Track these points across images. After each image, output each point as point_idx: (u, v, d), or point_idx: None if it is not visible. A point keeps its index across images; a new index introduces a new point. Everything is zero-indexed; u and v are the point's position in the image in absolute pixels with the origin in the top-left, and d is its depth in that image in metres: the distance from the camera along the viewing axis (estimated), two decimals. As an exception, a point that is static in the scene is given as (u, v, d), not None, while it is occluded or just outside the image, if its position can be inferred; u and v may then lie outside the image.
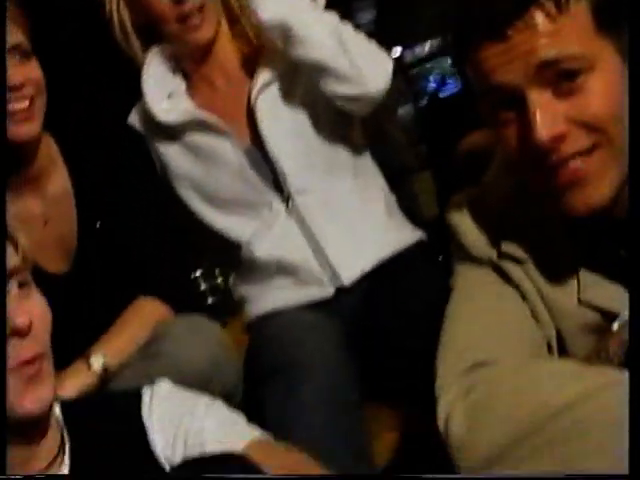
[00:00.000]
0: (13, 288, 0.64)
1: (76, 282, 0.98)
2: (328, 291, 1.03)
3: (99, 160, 1.04)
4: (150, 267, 1.02)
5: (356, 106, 1.01)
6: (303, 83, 1.03)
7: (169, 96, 1.07)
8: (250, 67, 1.06)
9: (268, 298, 1.07)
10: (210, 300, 1.69)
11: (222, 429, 0.69)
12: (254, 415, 0.78)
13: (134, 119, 1.10)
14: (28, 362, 0.62)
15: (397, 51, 2.67)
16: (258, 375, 0.94)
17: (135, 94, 1.09)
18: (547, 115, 0.56)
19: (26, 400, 0.62)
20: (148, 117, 1.07)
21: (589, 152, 0.58)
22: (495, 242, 0.68)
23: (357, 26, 1.02)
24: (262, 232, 1.05)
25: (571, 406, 0.54)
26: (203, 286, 1.62)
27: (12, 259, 0.65)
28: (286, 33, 0.95)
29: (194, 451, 0.68)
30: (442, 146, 1.24)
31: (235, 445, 0.67)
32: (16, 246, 0.66)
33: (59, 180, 1.02)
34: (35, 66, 0.94)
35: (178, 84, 1.08)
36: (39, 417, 0.65)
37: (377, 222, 1.06)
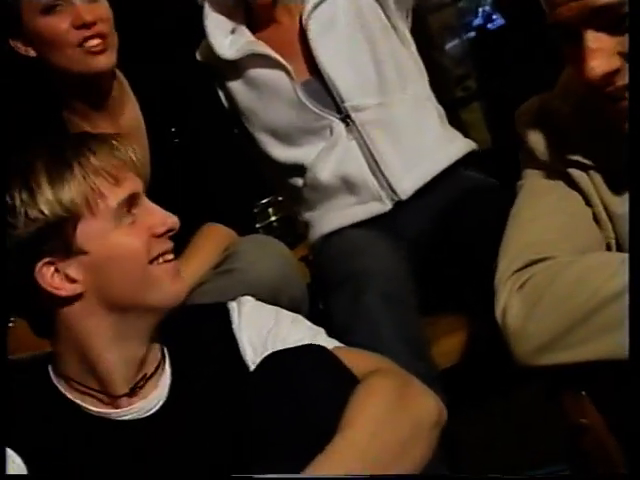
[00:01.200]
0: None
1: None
2: (386, 206, 1.09)
3: (168, 95, 1.10)
4: (217, 197, 1.09)
5: None
6: (357, 6, 1.08)
7: (232, 32, 1.11)
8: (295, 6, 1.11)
9: (331, 218, 1.13)
10: (276, 233, 1.78)
11: (305, 339, 0.74)
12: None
13: (201, 54, 1.15)
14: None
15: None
16: (325, 286, 1.03)
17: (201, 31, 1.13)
18: (601, 53, 0.61)
19: (176, 286, 0.72)
20: (210, 52, 1.11)
21: None
22: (563, 149, 0.72)
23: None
24: (326, 153, 1.11)
25: (620, 294, 0.59)
26: (258, 224, 1.69)
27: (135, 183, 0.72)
28: None
29: None
30: (490, 77, 1.29)
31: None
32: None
33: (132, 112, 1.08)
34: (105, 6, 1.00)
35: (241, 19, 1.12)
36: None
37: (431, 135, 1.11)
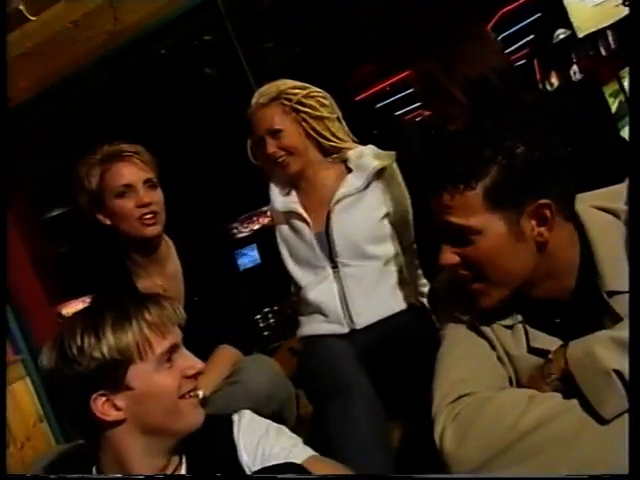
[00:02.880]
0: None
1: (182, 330, 1.37)
2: (344, 330, 1.50)
3: (197, 252, 1.51)
4: (229, 327, 1.46)
5: None
6: (368, 201, 1.53)
7: (286, 194, 1.63)
8: (332, 185, 1.56)
9: (310, 327, 1.56)
10: (266, 333, 2.44)
11: (286, 448, 0.97)
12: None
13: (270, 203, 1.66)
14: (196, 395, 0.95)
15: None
16: (318, 395, 1.36)
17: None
18: (448, 254, 0.91)
19: (196, 417, 0.95)
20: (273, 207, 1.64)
21: (475, 280, 0.92)
22: (470, 309, 0.98)
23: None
24: (315, 284, 1.53)
25: (536, 428, 0.79)
26: (262, 324, 2.32)
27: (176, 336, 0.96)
28: None
29: (267, 462, 0.96)
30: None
31: (295, 459, 0.95)
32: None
33: (173, 265, 1.50)
34: (159, 192, 1.46)
35: (287, 186, 1.64)
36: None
37: (386, 291, 1.50)
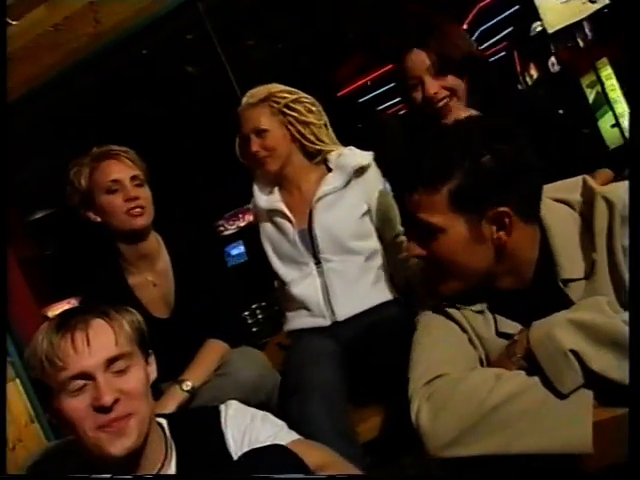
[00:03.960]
0: (106, 373, 0.91)
1: (172, 324, 1.46)
2: (327, 322, 1.56)
3: (187, 249, 1.56)
4: (217, 321, 1.51)
5: None
6: (352, 197, 1.59)
7: (269, 192, 1.68)
8: (313, 185, 1.62)
9: (294, 321, 1.62)
10: (254, 329, 2.49)
11: (272, 433, 1.04)
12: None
13: (252, 203, 1.72)
14: (112, 422, 0.90)
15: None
16: (281, 393, 1.41)
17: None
18: (414, 246, 1.00)
19: (112, 449, 0.90)
20: (255, 203, 1.69)
21: (436, 270, 1.02)
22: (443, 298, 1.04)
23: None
24: (299, 279, 1.59)
25: (503, 403, 0.86)
26: (250, 320, 2.35)
27: (112, 347, 0.93)
28: None
29: (254, 446, 1.01)
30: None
31: (281, 442, 1.01)
32: (119, 331, 0.96)
33: (163, 261, 1.55)
34: (146, 190, 1.51)
35: (270, 185, 1.69)
36: (135, 451, 0.93)
37: (367, 285, 1.57)
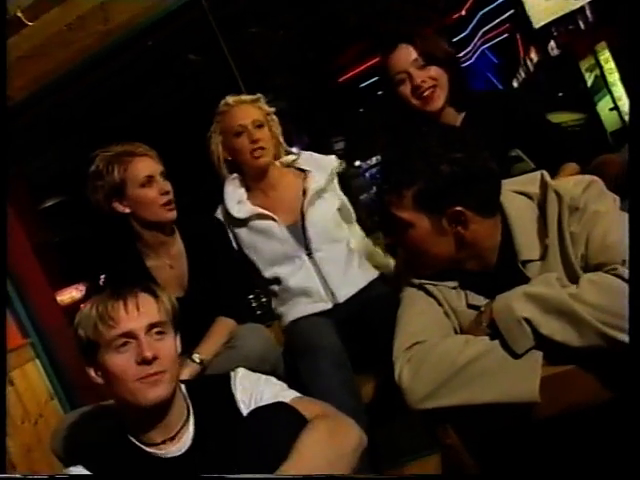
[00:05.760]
0: (147, 335, 1.09)
1: (186, 303, 1.60)
2: (329, 305, 1.71)
3: (199, 237, 1.71)
4: (226, 300, 1.67)
5: None
6: (329, 195, 1.77)
7: (238, 202, 1.75)
8: (292, 180, 1.79)
9: (295, 310, 1.74)
10: (258, 312, 2.65)
11: (274, 393, 1.19)
12: (294, 380, 1.33)
13: (219, 214, 1.81)
14: (151, 375, 1.08)
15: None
16: (292, 357, 1.57)
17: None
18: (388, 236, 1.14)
19: (148, 396, 1.08)
20: (227, 214, 1.79)
21: (409, 257, 1.18)
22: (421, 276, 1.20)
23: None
24: (294, 272, 1.72)
25: (470, 362, 1.01)
26: (254, 304, 2.54)
27: (155, 314, 1.11)
28: None
29: (260, 404, 1.17)
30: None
31: (283, 400, 1.15)
32: (160, 304, 1.14)
33: (177, 246, 1.71)
34: (169, 184, 1.67)
35: (242, 194, 1.76)
36: (163, 403, 1.10)
37: (356, 266, 1.73)
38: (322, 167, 1.79)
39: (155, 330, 1.12)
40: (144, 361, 1.09)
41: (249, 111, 1.76)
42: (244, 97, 1.80)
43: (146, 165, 1.63)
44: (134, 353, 1.10)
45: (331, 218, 1.75)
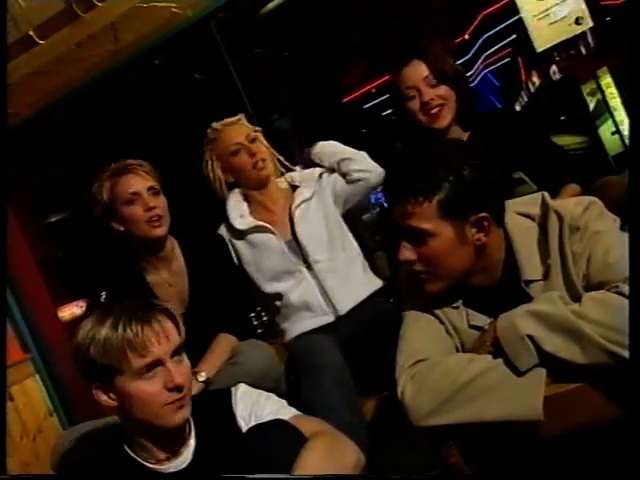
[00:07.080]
0: (171, 360, 1.09)
1: (186, 320, 1.57)
2: (331, 318, 1.70)
3: (200, 254, 1.71)
4: (227, 316, 1.67)
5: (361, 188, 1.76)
6: (321, 203, 1.76)
7: (240, 215, 1.77)
8: (287, 195, 1.80)
9: (298, 327, 1.72)
10: (259, 331, 2.59)
11: (274, 410, 1.19)
12: (296, 397, 1.32)
13: (222, 230, 1.82)
14: (178, 400, 1.09)
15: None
16: (295, 374, 1.56)
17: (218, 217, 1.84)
18: (406, 251, 1.12)
19: (175, 419, 1.09)
20: (229, 227, 1.80)
21: (424, 272, 1.13)
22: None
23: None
24: (295, 286, 1.72)
25: (472, 380, 1.01)
26: (255, 322, 2.50)
27: (177, 338, 1.11)
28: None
29: (259, 421, 1.16)
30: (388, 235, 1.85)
31: (282, 417, 1.16)
32: (178, 326, 1.14)
33: (178, 262, 1.72)
34: (162, 199, 1.66)
35: (244, 208, 1.78)
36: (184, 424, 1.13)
37: (357, 277, 1.73)
38: (307, 179, 1.82)
39: (176, 353, 1.13)
40: (177, 388, 1.09)
41: (239, 129, 1.80)
42: (228, 120, 1.83)
43: (132, 182, 1.63)
44: (162, 379, 1.09)
45: (323, 229, 1.75)
